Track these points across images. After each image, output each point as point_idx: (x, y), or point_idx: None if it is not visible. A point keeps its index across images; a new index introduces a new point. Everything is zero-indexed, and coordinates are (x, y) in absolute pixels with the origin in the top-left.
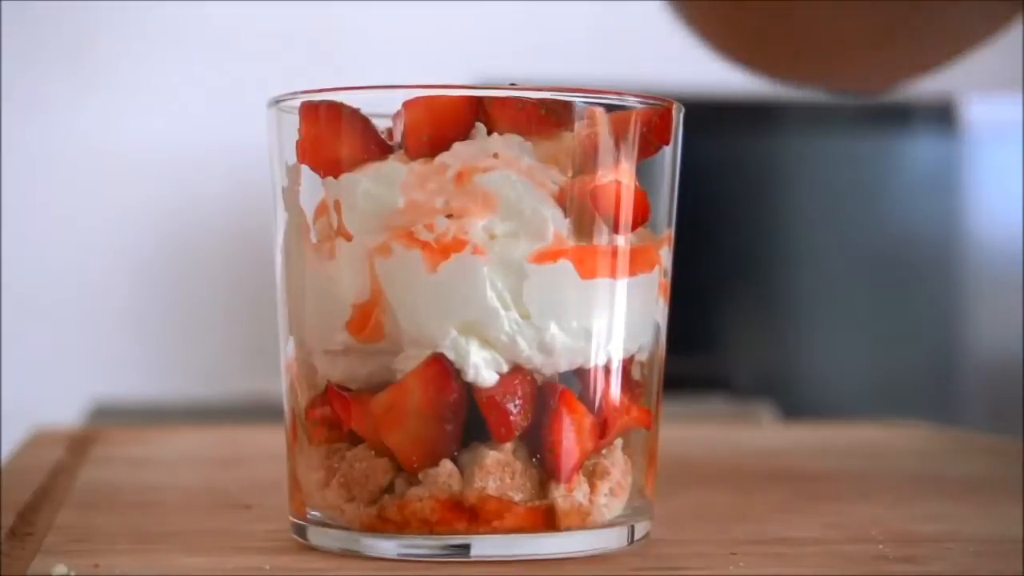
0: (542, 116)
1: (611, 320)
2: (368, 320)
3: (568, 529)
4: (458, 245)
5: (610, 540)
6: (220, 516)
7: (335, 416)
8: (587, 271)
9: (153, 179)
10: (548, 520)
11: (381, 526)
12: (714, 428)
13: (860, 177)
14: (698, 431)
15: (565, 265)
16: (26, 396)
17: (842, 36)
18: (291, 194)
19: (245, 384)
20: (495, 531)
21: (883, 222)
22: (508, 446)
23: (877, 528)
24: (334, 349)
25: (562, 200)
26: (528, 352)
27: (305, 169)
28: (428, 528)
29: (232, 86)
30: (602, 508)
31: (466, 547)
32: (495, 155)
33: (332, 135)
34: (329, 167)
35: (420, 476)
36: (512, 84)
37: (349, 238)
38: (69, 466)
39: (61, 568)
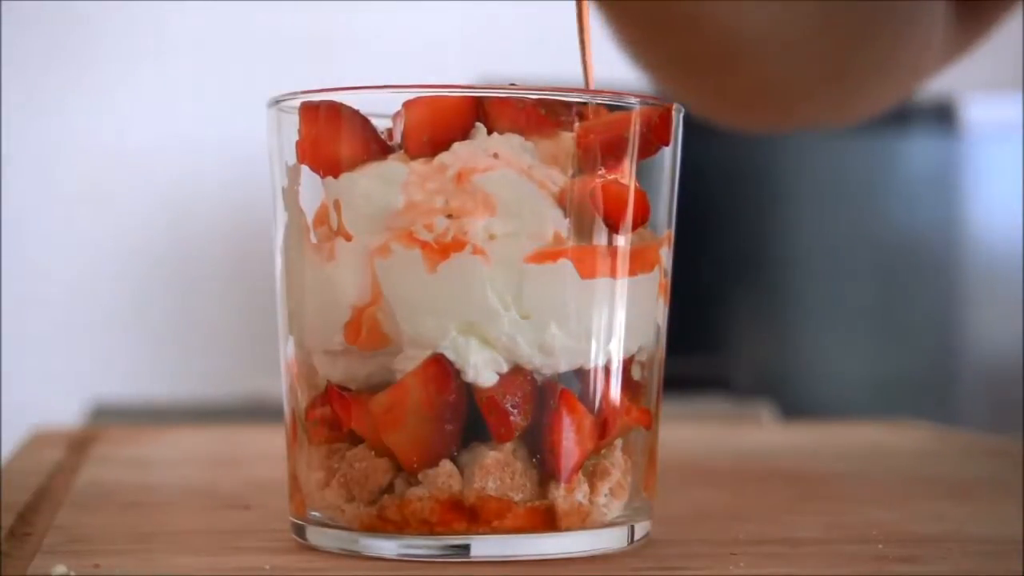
0: (542, 116)
1: (611, 320)
2: (360, 328)
3: (568, 529)
4: (458, 245)
5: (610, 540)
6: (220, 516)
7: (335, 416)
8: (587, 271)
9: (153, 179)
10: (548, 520)
11: (381, 526)
12: (714, 428)
13: (860, 177)
14: (698, 431)
15: (565, 265)
16: (26, 396)
17: (790, 83)
18: (291, 194)
19: (245, 384)
20: (495, 531)
21: (883, 222)
22: (508, 446)
23: (877, 528)
24: (334, 349)
25: (562, 200)
26: (528, 352)
27: (305, 169)
28: (428, 528)
29: (232, 86)
30: (602, 508)
31: (466, 547)
32: (495, 155)
33: (332, 135)
34: (329, 167)
35: (420, 476)
36: (512, 84)
37: (349, 238)
38: (69, 466)
39: (61, 568)
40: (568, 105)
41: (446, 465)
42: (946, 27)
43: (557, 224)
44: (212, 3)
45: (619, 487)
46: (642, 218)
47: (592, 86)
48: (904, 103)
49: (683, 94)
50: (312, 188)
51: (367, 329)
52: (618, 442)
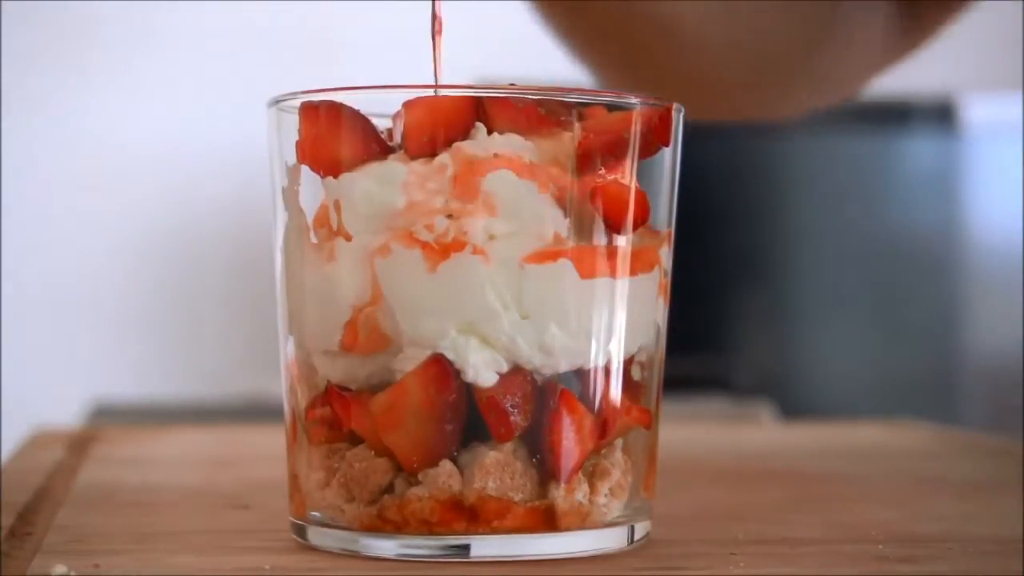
0: (542, 116)
1: (611, 320)
2: (357, 337)
3: (568, 529)
4: (458, 245)
5: (610, 540)
6: (220, 516)
7: (335, 416)
8: (587, 271)
9: (153, 179)
10: (548, 520)
11: (381, 526)
12: (714, 428)
13: (860, 177)
14: (698, 431)
15: (565, 265)
16: (26, 396)
17: (721, 75)
18: (291, 194)
19: (245, 384)
20: (495, 531)
21: (883, 222)
22: (508, 446)
23: (877, 528)
24: (334, 349)
25: (562, 200)
26: (528, 352)
27: (305, 169)
28: (428, 528)
29: (232, 86)
30: (602, 508)
31: (466, 547)
32: (495, 155)
33: (332, 135)
34: (329, 167)
35: (420, 476)
36: (512, 84)
37: (349, 238)
38: (69, 466)
39: (61, 568)
40: (568, 105)
41: (446, 465)
42: (888, 30)
43: (557, 224)
44: (212, 3)
45: (619, 487)
46: (642, 218)
47: (439, 80)
48: (848, 102)
49: (605, 73)
50: (312, 188)
51: (364, 335)
52: (618, 442)
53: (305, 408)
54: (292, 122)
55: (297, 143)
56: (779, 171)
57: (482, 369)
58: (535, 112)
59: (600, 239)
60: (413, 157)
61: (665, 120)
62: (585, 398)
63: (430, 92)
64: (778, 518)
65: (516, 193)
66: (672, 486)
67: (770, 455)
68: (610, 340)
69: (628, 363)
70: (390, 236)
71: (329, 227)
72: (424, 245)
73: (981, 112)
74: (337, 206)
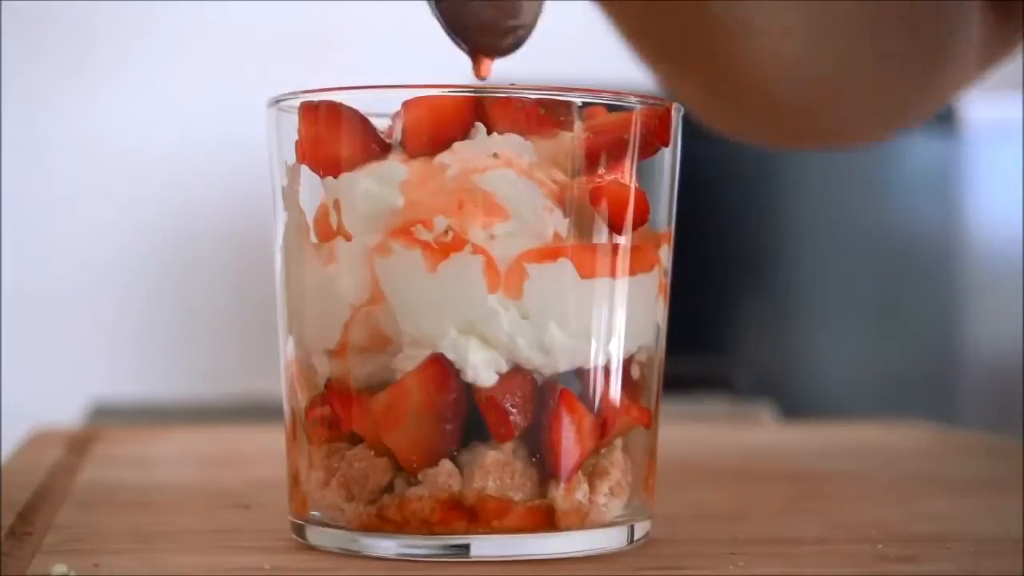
0: (542, 116)
1: (611, 320)
2: (348, 367)
3: (568, 529)
4: (458, 245)
5: (610, 540)
6: (220, 516)
7: (335, 416)
8: (587, 271)
9: (152, 179)
10: (548, 520)
11: (381, 526)
12: (714, 428)
13: (860, 177)
14: (698, 431)
15: (565, 265)
16: (26, 396)
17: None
18: (291, 194)
19: (245, 384)
20: (495, 531)
21: (883, 222)
22: (508, 446)
23: (877, 528)
24: (334, 349)
25: (562, 200)
26: (528, 352)
27: (305, 169)
28: (428, 528)
29: (232, 86)
30: (602, 508)
31: (466, 547)
32: (495, 155)
33: (332, 135)
34: (329, 167)
35: (420, 476)
36: (512, 84)
37: (349, 238)
38: (69, 466)
39: (61, 568)
40: (568, 105)
41: (446, 465)
42: (972, 54)
43: (557, 224)
44: (212, 3)
45: (619, 487)
46: (642, 218)
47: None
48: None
49: (688, 95)
50: (312, 188)
51: (356, 343)
52: (618, 442)
53: (305, 408)
54: (292, 122)
55: (297, 143)
56: (779, 171)
57: (482, 369)
58: (535, 112)
59: (600, 239)
60: (413, 157)
61: (665, 120)
62: (585, 398)
63: (430, 92)
64: (778, 518)
65: (516, 193)
66: (672, 486)
67: (770, 455)
68: (610, 340)
69: (628, 363)
70: (390, 236)
71: (329, 227)
72: (424, 245)
73: (981, 112)
74: (337, 206)
